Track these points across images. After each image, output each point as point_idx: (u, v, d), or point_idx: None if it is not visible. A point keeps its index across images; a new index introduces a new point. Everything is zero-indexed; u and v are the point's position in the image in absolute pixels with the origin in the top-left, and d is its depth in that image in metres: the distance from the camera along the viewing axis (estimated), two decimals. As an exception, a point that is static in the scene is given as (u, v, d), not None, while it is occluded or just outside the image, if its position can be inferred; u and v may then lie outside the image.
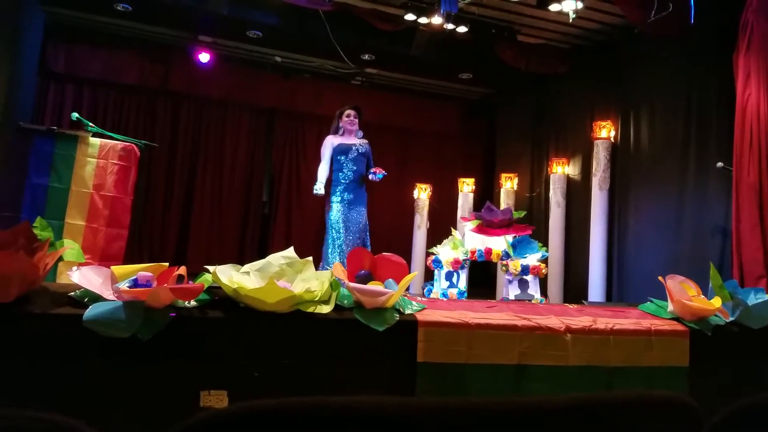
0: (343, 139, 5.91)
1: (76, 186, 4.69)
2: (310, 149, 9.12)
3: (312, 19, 6.90)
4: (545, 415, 0.99)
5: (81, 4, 7.36)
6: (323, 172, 5.82)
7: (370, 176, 5.81)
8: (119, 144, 4.91)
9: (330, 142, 5.91)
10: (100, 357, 2.12)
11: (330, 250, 5.70)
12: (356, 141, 5.93)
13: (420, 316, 2.56)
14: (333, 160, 5.83)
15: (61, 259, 2.83)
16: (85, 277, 2.24)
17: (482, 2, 6.81)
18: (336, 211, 5.71)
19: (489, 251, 5.50)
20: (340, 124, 5.98)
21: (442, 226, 7.42)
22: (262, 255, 2.76)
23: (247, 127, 9.27)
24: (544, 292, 6.22)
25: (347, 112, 5.98)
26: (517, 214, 5.82)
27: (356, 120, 5.97)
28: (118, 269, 2.26)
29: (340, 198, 5.74)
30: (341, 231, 5.67)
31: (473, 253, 5.52)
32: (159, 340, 2.15)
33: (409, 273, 2.69)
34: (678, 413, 1.09)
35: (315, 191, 5.76)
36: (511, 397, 1.07)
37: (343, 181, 5.78)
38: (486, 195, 8.86)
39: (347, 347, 2.46)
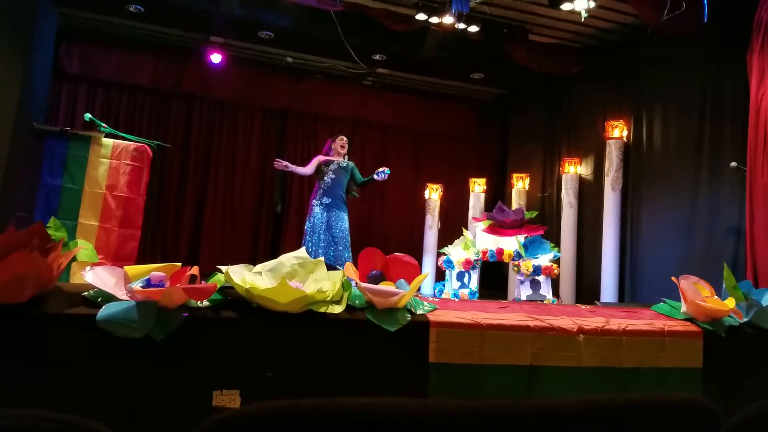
0: (330, 158, 6.64)
1: (89, 186, 4.72)
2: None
3: (323, 19, 6.90)
4: (563, 417, 0.98)
5: (94, 6, 7.41)
6: (302, 170, 6.68)
7: (376, 176, 6.35)
8: (132, 145, 4.93)
9: (318, 158, 6.70)
10: (113, 357, 2.13)
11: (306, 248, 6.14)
12: (340, 159, 6.63)
13: (432, 317, 2.55)
14: (317, 171, 6.59)
15: (74, 259, 2.84)
16: (99, 277, 2.25)
17: (494, 2, 6.80)
18: (316, 213, 6.36)
19: (500, 251, 5.49)
20: (332, 147, 6.69)
21: (453, 227, 7.42)
22: (274, 255, 2.77)
23: (259, 127, 9.30)
24: (556, 292, 6.22)
25: (340, 137, 6.77)
26: (528, 215, 5.81)
27: (347, 146, 6.73)
28: (132, 269, 2.27)
29: (319, 202, 6.40)
30: (318, 231, 6.29)
31: (485, 253, 5.52)
32: (172, 340, 2.16)
33: (421, 273, 2.69)
34: (696, 415, 1.08)
35: (283, 163, 6.47)
36: (529, 400, 1.06)
37: (323, 187, 6.46)
38: (498, 195, 8.86)
39: (359, 347, 2.46)
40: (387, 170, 6.30)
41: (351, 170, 6.58)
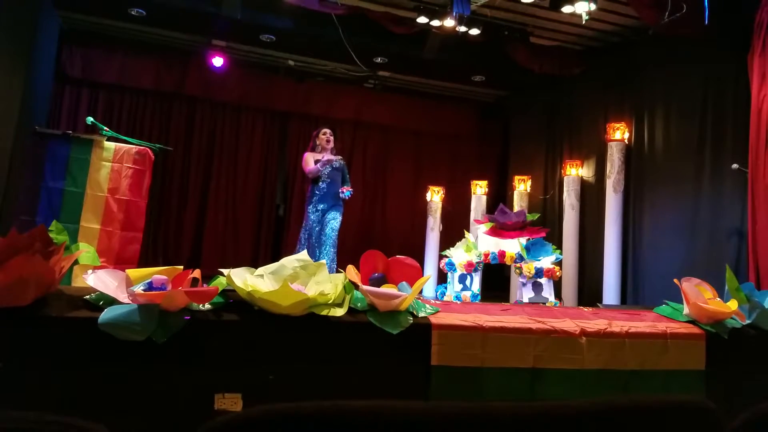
0: (320, 156, 6.42)
1: (91, 189, 4.72)
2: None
3: (325, 22, 6.90)
4: (566, 419, 0.98)
5: (96, 9, 7.42)
6: (313, 171, 6.35)
7: (340, 194, 6.37)
8: (134, 148, 4.93)
9: (311, 156, 6.45)
10: (115, 360, 2.13)
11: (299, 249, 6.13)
12: (333, 157, 6.44)
13: (434, 319, 2.55)
14: None
15: (76, 262, 2.84)
16: (101, 280, 2.25)
17: (495, 4, 6.79)
18: (312, 220, 6.30)
19: (502, 254, 5.48)
20: (317, 142, 6.54)
21: (455, 229, 7.41)
22: (276, 258, 2.76)
23: (261, 130, 9.30)
24: (558, 295, 6.20)
25: (324, 130, 6.59)
26: (530, 217, 5.79)
27: (332, 138, 6.56)
28: (133, 272, 2.27)
29: (315, 209, 6.33)
30: (313, 236, 6.26)
31: (487, 255, 5.51)
32: (174, 343, 2.16)
33: (423, 276, 2.69)
34: (698, 417, 1.08)
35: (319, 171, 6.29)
36: (532, 402, 1.06)
37: (317, 192, 6.36)
38: (499, 197, 8.85)
39: (361, 350, 2.46)
40: (349, 192, 6.34)
41: (342, 168, 6.54)
